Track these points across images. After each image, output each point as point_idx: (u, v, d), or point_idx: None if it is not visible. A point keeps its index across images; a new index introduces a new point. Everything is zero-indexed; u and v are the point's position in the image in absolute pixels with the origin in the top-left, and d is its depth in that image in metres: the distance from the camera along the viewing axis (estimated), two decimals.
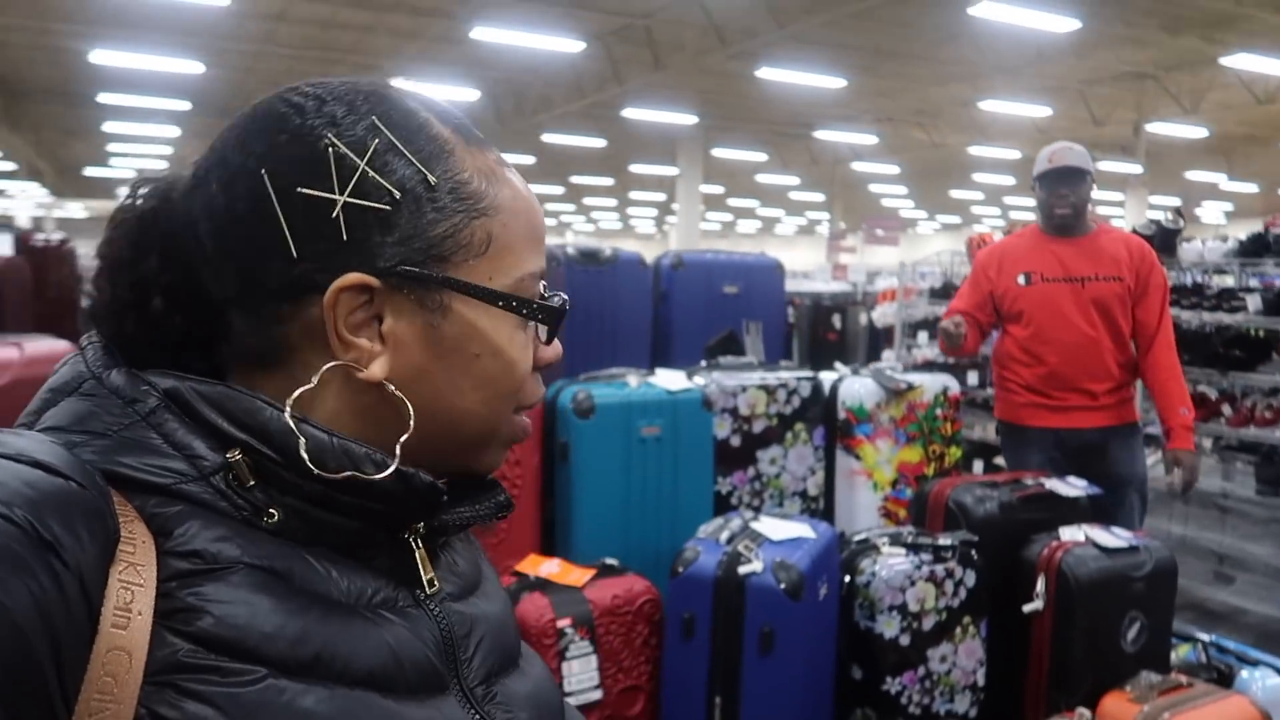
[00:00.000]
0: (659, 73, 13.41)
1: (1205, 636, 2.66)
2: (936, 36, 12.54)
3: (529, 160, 21.30)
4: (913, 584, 2.22)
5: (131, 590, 0.47)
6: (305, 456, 0.53)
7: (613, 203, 32.12)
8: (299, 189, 0.54)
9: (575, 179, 25.97)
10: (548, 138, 18.20)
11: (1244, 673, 2.51)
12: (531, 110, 16.53)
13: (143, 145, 21.18)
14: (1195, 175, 21.90)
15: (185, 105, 15.89)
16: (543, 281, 0.64)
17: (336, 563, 0.56)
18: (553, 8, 11.57)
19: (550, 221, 39.06)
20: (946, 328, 3.00)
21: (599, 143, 18.88)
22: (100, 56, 12.22)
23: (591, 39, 12.63)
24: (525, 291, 0.61)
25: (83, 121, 18.77)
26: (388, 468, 0.55)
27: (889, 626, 2.19)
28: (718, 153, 20.33)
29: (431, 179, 0.57)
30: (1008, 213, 30.86)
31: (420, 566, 0.60)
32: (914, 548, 2.29)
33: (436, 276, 0.57)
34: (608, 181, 26.30)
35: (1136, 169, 17.72)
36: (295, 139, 0.55)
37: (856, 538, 2.35)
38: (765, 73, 12.75)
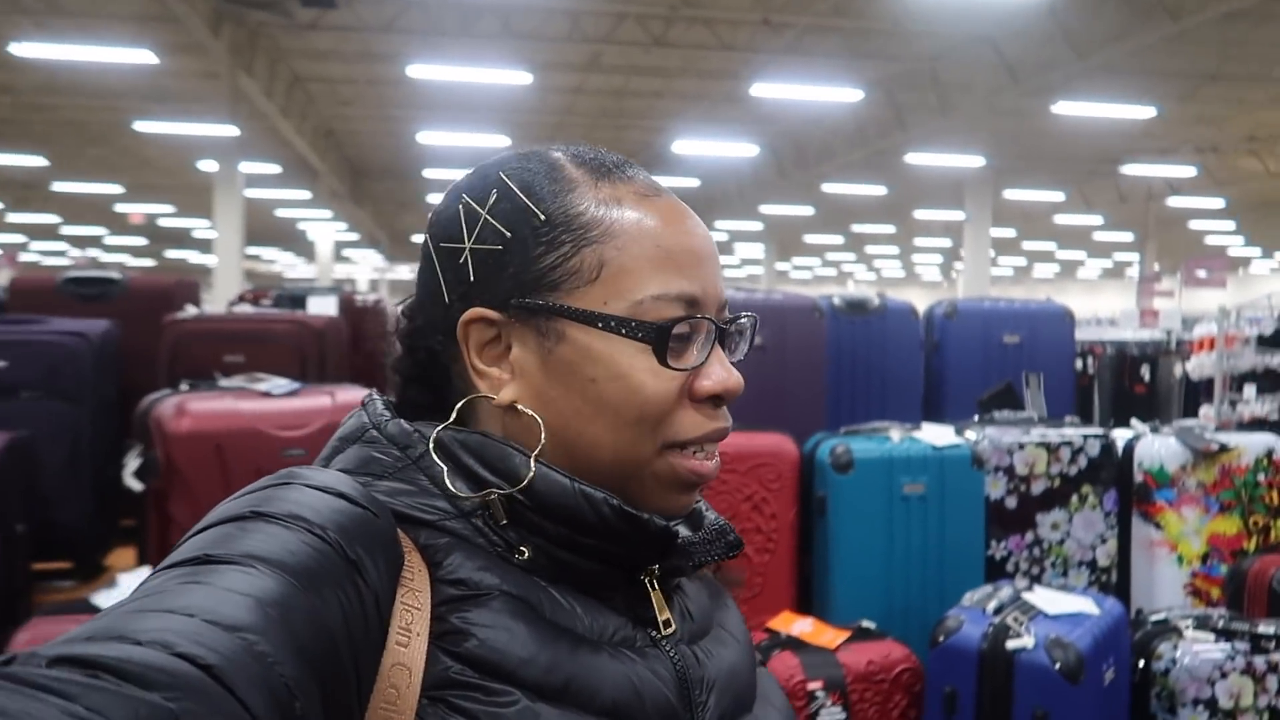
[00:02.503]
0: (945, 116, 12.98)
1: None
2: (1272, 53, 11.15)
3: (808, 211, 21.30)
4: (1224, 676, 1.93)
5: (412, 612, 0.53)
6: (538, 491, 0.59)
7: (895, 250, 31.25)
8: (442, 243, 0.64)
9: (856, 228, 25.59)
10: (828, 187, 18.13)
11: None
12: (813, 161, 16.57)
13: None
14: None
15: None
16: (706, 309, 0.62)
17: (579, 601, 0.59)
18: (831, 59, 11.59)
19: (830, 271, 38.76)
20: None
21: (879, 190, 18.53)
22: (426, 137, 13.81)
23: (873, 87, 12.49)
24: (646, 314, 0.60)
25: (412, 194, 21.27)
26: (616, 506, 0.59)
27: None
28: (1010, 194, 19.24)
29: (541, 215, 0.61)
30: None
31: (656, 608, 0.62)
32: (1226, 634, 2.00)
33: (541, 304, 0.60)
34: (889, 229, 25.67)
35: None
36: (448, 206, 0.65)
37: (1154, 618, 2.10)
38: (1062, 107, 11.94)
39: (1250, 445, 2.59)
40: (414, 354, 0.67)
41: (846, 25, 10.91)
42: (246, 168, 13.21)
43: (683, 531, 0.65)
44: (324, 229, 23.47)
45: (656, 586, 0.63)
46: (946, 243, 26.10)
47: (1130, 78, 11.73)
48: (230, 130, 11.42)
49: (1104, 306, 21.10)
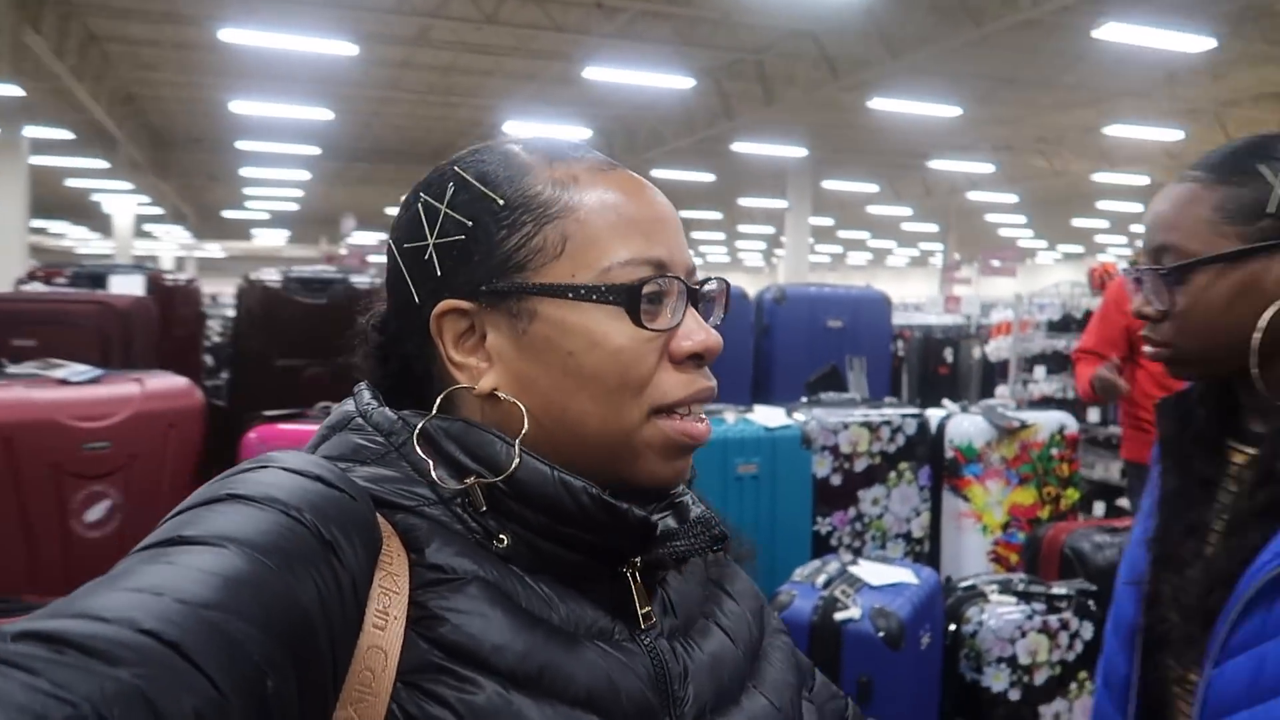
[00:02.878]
0: (770, 107, 13.41)
1: None
2: (1059, 61, 12.15)
3: None
4: (1024, 635, 2.10)
5: (389, 596, 0.53)
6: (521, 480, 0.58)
7: (721, 236, 32.15)
8: (405, 244, 0.64)
9: (684, 213, 26.03)
10: (657, 173, 18.40)
11: None
12: (643, 146, 16.75)
13: (276, 189, 22.38)
14: None
15: (315, 150, 16.73)
16: (675, 271, 0.63)
17: (557, 591, 0.59)
18: (663, 46, 11.73)
19: None
20: (1107, 379, 2.62)
21: (708, 177, 18.97)
22: (239, 106, 13.01)
23: (702, 75, 12.74)
24: (616, 279, 0.61)
25: (222, 167, 20.00)
26: (596, 495, 0.58)
27: (997, 680, 2.08)
28: (828, 185, 20.13)
29: (499, 200, 0.61)
30: (1134, 241, 29.45)
31: (637, 600, 0.62)
32: (1025, 596, 2.18)
33: (507, 285, 0.60)
34: (716, 215, 26.37)
35: None
36: (407, 208, 0.65)
37: (963, 584, 2.25)
38: (877, 104, 12.60)
39: (1045, 422, 2.83)
40: (387, 364, 0.67)
41: (678, 13, 11.06)
42: (32, 133, 12.04)
43: (669, 523, 0.64)
44: (123, 202, 21.71)
45: (638, 579, 0.62)
46: (770, 230, 27.07)
47: (938, 79, 12.49)
48: (13, 90, 10.36)
49: (911, 293, 22.51)
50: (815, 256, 35.08)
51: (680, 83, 11.93)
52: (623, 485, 0.63)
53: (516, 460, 0.58)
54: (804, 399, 2.80)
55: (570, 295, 0.60)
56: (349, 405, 0.65)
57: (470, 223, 0.61)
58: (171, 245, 29.56)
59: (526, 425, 0.60)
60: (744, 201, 22.68)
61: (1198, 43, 9.44)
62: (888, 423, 2.65)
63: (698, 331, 0.63)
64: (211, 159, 19.58)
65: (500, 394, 0.61)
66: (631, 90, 12.40)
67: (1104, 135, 15.37)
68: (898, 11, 10.84)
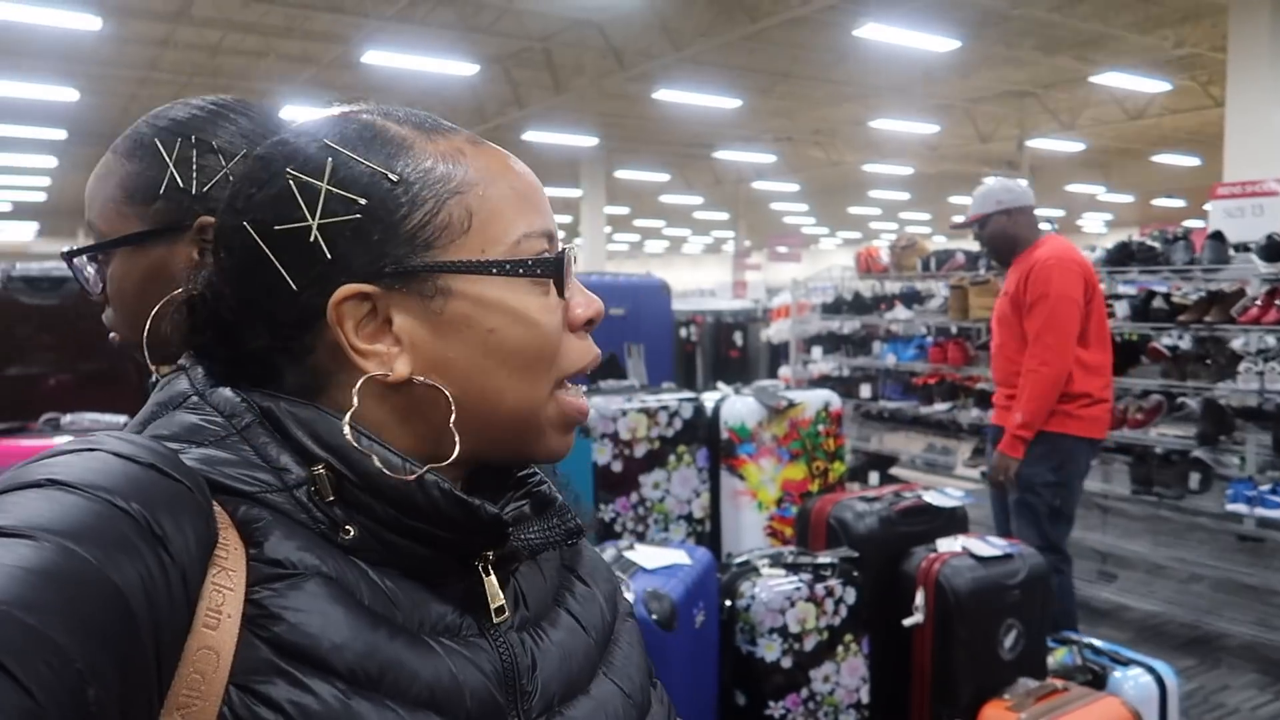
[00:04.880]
0: (559, 96, 13.42)
1: (1080, 639, 2.71)
2: (828, 58, 12.87)
3: None
4: (793, 605, 2.20)
5: (223, 593, 0.50)
6: (381, 468, 0.55)
7: None
8: (275, 226, 0.57)
9: None
10: None
11: (1116, 673, 2.57)
12: None
13: (19, 176, 20.23)
14: (1076, 188, 22.93)
15: (61, 134, 15.23)
16: (554, 240, 0.63)
17: (404, 586, 0.57)
18: (446, 31, 11.48)
19: None
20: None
21: None
22: None
23: (489, 62, 12.57)
24: (524, 253, 0.60)
25: None
26: (448, 490, 0.56)
27: (770, 650, 2.16)
28: (621, 174, 20.44)
29: (393, 177, 0.58)
30: (904, 227, 31.78)
31: (489, 595, 0.60)
32: (794, 568, 2.28)
33: (422, 265, 0.57)
34: None
35: (1022, 183, 18.46)
36: (264, 185, 0.58)
37: (737, 560, 2.33)
38: (663, 94, 12.89)
39: (812, 400, 2.97)
40: (214, 362, 0.61)
41: None
42: None
43: (524, 511, 0.63)
44: None
45: (491, 572, 0.60)
46: (567, 219, 27.20)
47: (719, 71, 12.93)
48: None
49: (706, 279, 23.28)
50: (613, 245, 35.58)
51: (464, 69, 11.71)
52: (487, 466, 0.63)
53: (374, 458, 0.55)
54: (584, 388, 2.81)
55: (496, 272, 0.58)
56: (181, 383, 0.60)
57: (364, 200, 0.57)
58: None
59: (455, 411, 0.58)
60: None
61: (944, 44, 10.26)
62: (665, 408, 2.71)
63: (588, 298, 0.64)
64: None
65: (419, 378, 0.58)
66: (415, 76, 12.04)
67: (871, 128, 16.44)
68: (679, 4, 11.12)
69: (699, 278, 31.33)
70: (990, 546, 2.48)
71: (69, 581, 0.42)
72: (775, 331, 6.55)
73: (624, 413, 2.64)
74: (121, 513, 0.46)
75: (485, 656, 0.58)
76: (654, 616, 1.88)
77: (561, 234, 0.68)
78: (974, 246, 4.52)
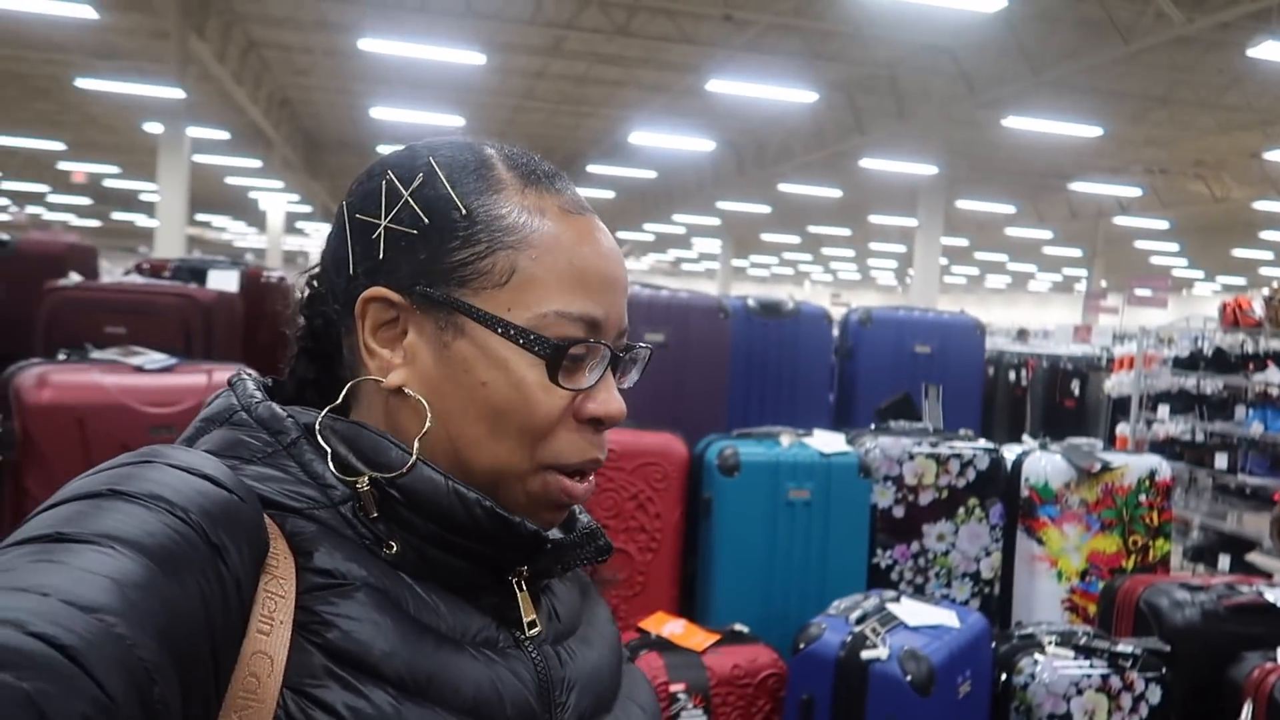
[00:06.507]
0: (903, 122, 13.08)
1: None
2: (1217, 80, 11.41)
3: (765, 209, 21.37)
4: (1080, 693, 1.97)
5: (275, 600, 0.52)
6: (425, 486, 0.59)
7: (851, 253, 31.52)
8: (358, 214, 0.63)
9: (812, 228, 25.75)
10: (784, 187, 18.21)
11: None
12: (771, 160, 16.62)
13: None
14: None
15: None
16: (607, 334, 0.63)
17: (444, 599, 0.59)
18: (791, 59, 11.62)
19: (788, 270, 38.96)
20: None
21: (835, 192, 18.65)
22: (380, 113, 13.61)
23: (832, 89, 12.54)
24: (547, 329, 0.60)
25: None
26: (489, 508, 0.59)
27: None
28: (962, 204, 19.49)
29: (462, 209, 0.61)
30: None
31: (522, 609, 0.62)
32: (1086, 651, 2.04)
33: (445, 297, 0.60)
34: (845, 231, 25.88)
35: None
36: (370, 179, 0.64)
37: (1020, 633, 2.12)
38: (1013, 122, 12.10)
39: (1135, 465, 2.64)
40: (311, 322, 0.66)
41: (807, 26, 10.94)
42: (194, 132, 12.91)
43: (553, 534, 0.65)
44: (275, 199, 23.04)
45: (524, 587, 0.63)
46: (901, 248, 26.38)
47: (1082, 96, 11.92)
48: (177, 93, 11.15)
49: (1053, 319, 21.47)
50: (950, 277, 34.01)
51: (806, 96, 11.76)
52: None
53: (410, 463, 0.58)
54: (873, 425, 2.71)
55: (499, 331, 0.60)
56: (229, 398, 0.63)
57: (428, 220, 0.61)
58: (319, 241, 31.12)
59: (429, 424, 0.60)
60: (874, 218, 22.17)
61: None
62: (957, 455, 2.53)
63: (608, 399, 0.63)
64: (357, 161, 20.45)
65: (408, 390, 0.61)
66: (758, 103, 12.31)
67: (1267, 160, 14.30)
68: (1040, 27, 10.40)
69: (1045, 317, 28.99)
70: None
71: (138, 588, 0.44)
72: (1115, 384, 5.89)
73: (911, 456, 2.51)
74: (182, 523, 0.49)
75: (523, 667, 0.60)
76: (909, 677, 1.76)
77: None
78: None
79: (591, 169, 18.41)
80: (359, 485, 0.58)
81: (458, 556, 0.59)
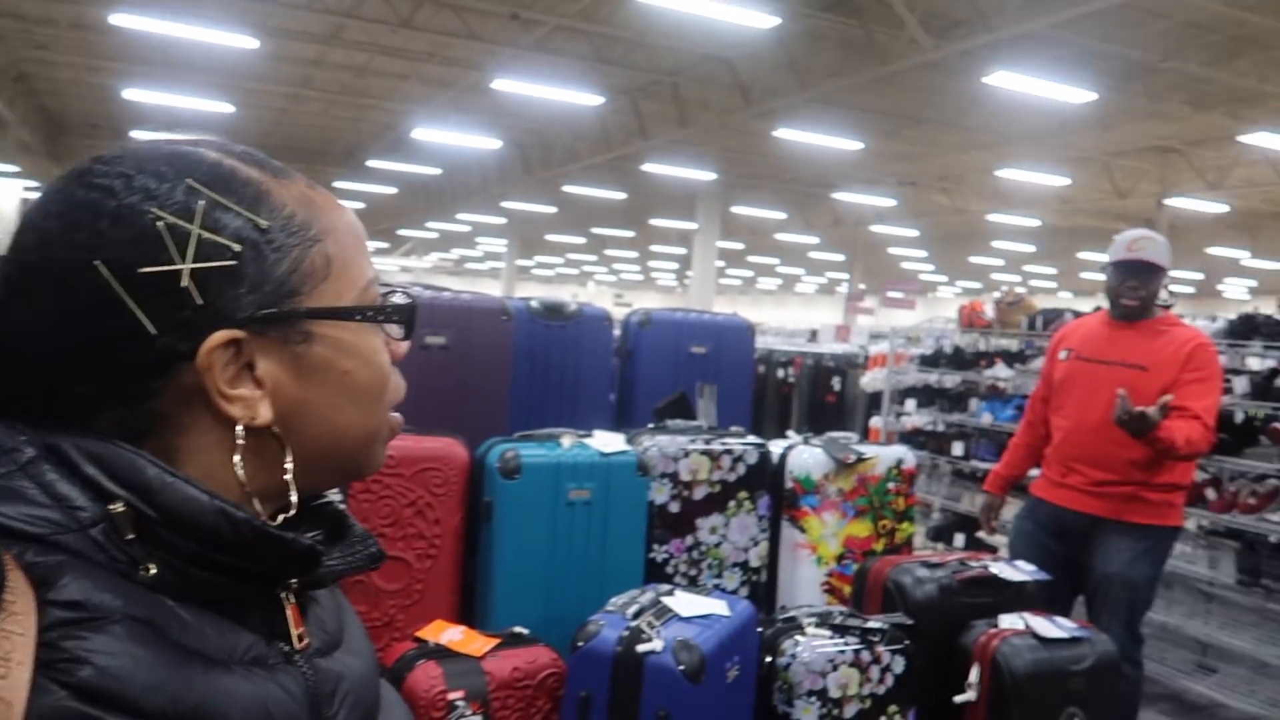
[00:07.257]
0: (684, 130, 13.54)
1: None
2: (958, 104, 12.59)
3: (550, 209, 21.50)
4: (835, 668, 2.13)
5: (13, 639, 0.48)
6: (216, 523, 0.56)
7: (635, 254, 32.30)
8: (139, 269, 0.55)
9: (597, 230, 26.19)
10: (569, 188, 18.40)
11: None
12: (558, 161, 16.73)
13: None
14: (1217, 250, 21.67)
15: None
16: (377, 284, 0.67)
17: (209, 620, 0.56)
18: (577, 63, 11.76)
19: (573, 271, 39.38)
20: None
21: (619, 195, 19.06)
22: (133, 94, 12.55)
23: (617, 94, 12.80)
24: (371, 299, 0.65)
25: None
26: (260, 527, 0.57)
27: (807, 713, 2.10)
28: (737, 209, 20.43)
29: (262, 223, 0.59)
30: (1028, 280, 30.68)
31: (290, 622, 0.61)
32: (841, 629, 2.21)
33: (294, 312, 0.60)
34: (629, 234, 26.49)
35: None
36: (119, 221, 0.56)
37: (782, 616, 2.27)
38: (783, 133, 12.85)
39: (884, 456, 2.88)
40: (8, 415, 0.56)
41: (593, 30, 11.11)
42: None
43: (320, 539, 0.64)
44: (9, 185, 20.67)
45: (293, 600, 0.62)
46: (682, 250, 27.32)
47: (845, 112, 12.81)
48: None
49: (818, 319, 22.99)
50: (726, 279, 35.55)
51: (590, 99, 11.95)
52: (322, 489, 0.67)
53: (170, 480, 0.56)
54: (650, 425, 2.80)
55: (358, 318, 0.63)
56: None
57: (237, 246, 0.57)
58: None
59: (290, 460, 0.61)
60: (655, 221, 22.84)
61: (1080, 95, 9.90)
62: (729, 451, 2.67)
63: (392, 329, 0.68)
64: (108, 146, 18.78)
65: (273, 429, 0.60)
66: (543, 104, 12.37)
67: (999, 177, 15.98)
68: (809, 44, 11.10)
69: (811, 318, 30.95)
70: (1057, 628, 2.35)
71: None
72: (870, 380, 6.40)
73: (686, 453, 2.61)
74: None
75: (293, 683, 0.59)
76: (681, 667, 1.85)
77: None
78: (1086, 308, 4.32)
79: (372, 164, 17.82)
80: (113, 508, 0.54)
81: (223, 575, 0.57)
